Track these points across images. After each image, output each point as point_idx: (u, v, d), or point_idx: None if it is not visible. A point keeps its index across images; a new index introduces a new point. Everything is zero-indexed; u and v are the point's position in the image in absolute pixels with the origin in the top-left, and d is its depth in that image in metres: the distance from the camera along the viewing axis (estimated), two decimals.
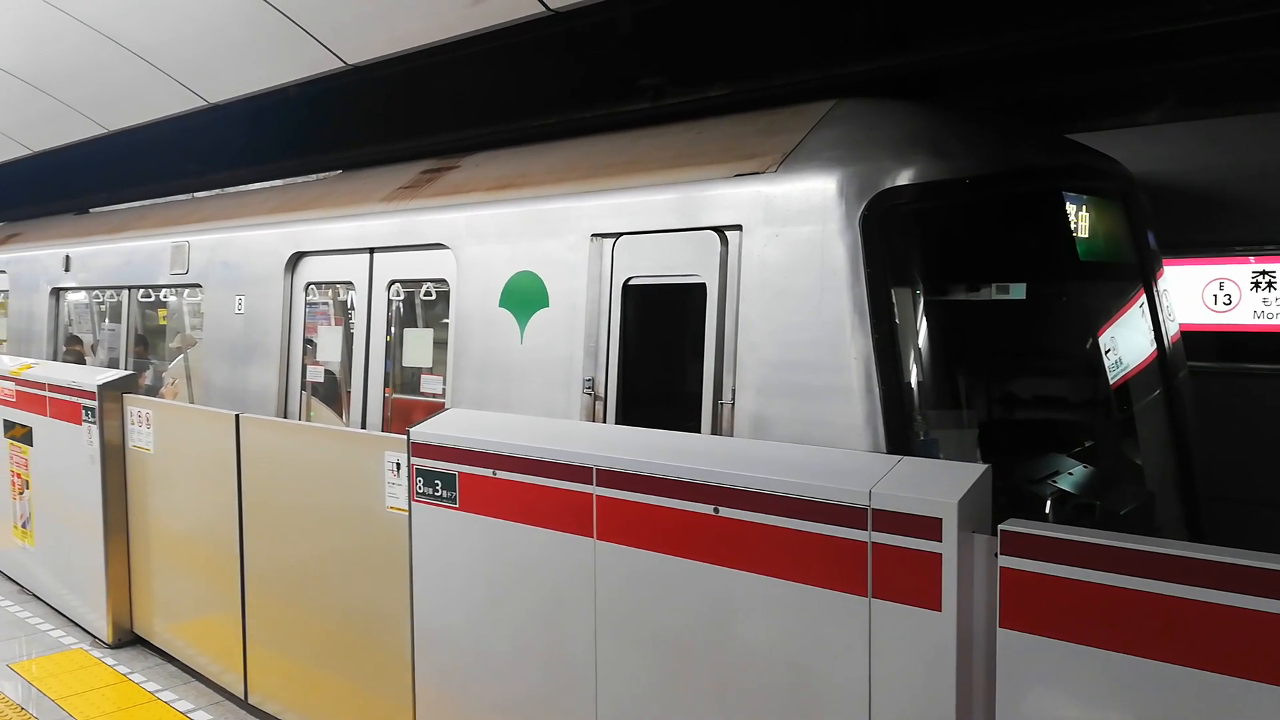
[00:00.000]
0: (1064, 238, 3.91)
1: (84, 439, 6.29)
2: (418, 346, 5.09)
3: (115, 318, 7.84)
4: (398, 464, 4.21)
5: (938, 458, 3.14)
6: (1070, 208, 3.93)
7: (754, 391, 3.43)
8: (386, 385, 5.20)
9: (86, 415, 6.26)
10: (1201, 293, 5.61)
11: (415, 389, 5.09)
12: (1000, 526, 2.57)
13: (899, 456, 3.01)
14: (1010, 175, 3.68)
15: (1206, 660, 2.27)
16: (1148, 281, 4.36)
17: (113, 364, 7.68)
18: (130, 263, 7.26)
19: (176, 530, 5.82)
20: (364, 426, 5.18)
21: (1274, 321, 5.43)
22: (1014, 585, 2.54)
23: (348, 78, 5.45)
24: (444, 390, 4.77)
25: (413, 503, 4.15)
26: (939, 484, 2.74)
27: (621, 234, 3.94)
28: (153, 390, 7.47)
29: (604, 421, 3.95)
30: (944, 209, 3.48)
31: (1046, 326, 4.09)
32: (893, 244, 3.30)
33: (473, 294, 4.48)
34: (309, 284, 5.60)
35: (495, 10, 4.39)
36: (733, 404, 3.50)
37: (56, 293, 8.35)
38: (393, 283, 5.09)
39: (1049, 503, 3.48)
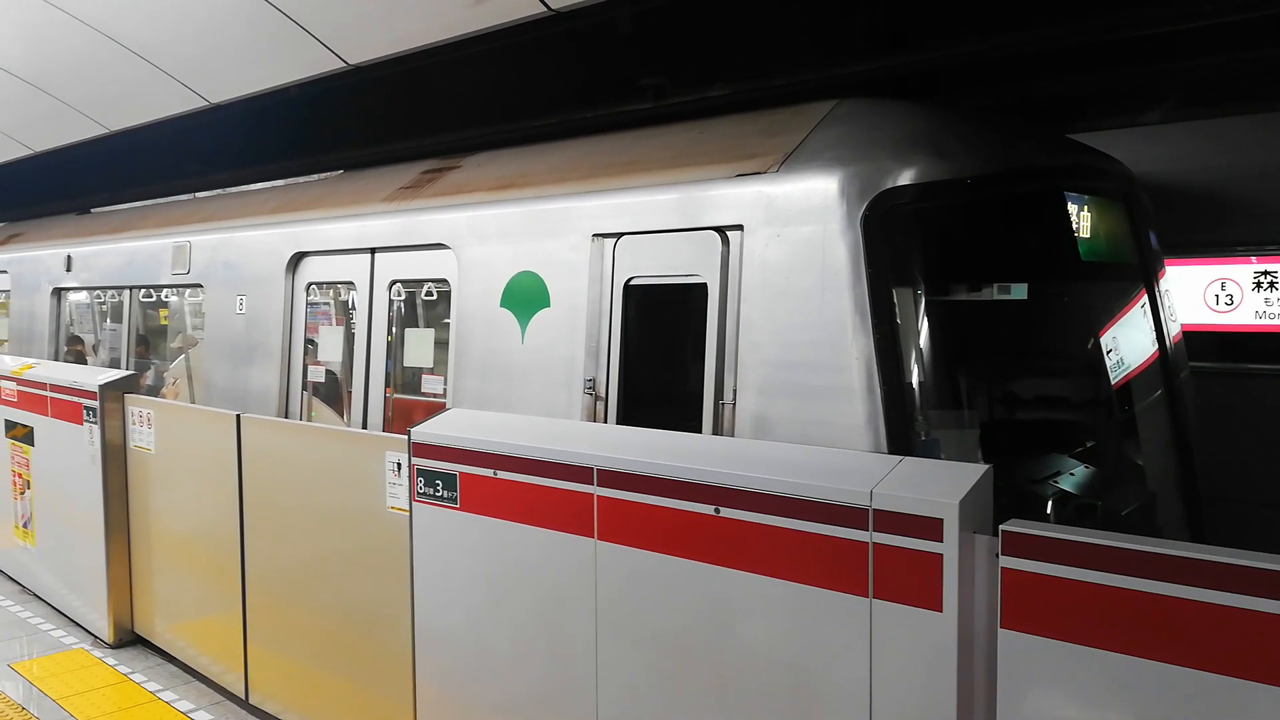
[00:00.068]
0: (1065, 238, 3.91)
1: (85, 439, 6.30)
2: (419, 346, 5.09)
3: (117, 318, 7.84)
4: (399, 464, 4.21)
5: (939, 458, 3.14)
6: (1071, 208, 3.93)
7: (755, 391, 3.43)
8: (388, 385, 5.20)
9: (88, 415, 6.27)
10: (1203, 293, 5.61)
11: (416, 389, 5.09)
12: (1001, 527, 2.57)
13: (900, 457, 3.01)
14: (1011, 175, 3.68)
15: (1207, 661, 2.27)
16: (1149, 282, 4.36)
17: (114, 364, 7.68)
18: (132, 263, 7.26)
19: (177, 530, 5.82)
20: (365, 427, 5.19)
21: (1275, 322, 5.42)
22: (1015, 586, 2.54)
23: (349, 78, 5.45)
24: (445, 390, 4.77)
25: (414, 503, 4.15)
26: (940, 484, 2.74)
27: (623, 234, 3.94)
28: (154, 390, 7.48)
29: (605, 422, 3.95)
30: (945, 209, 3.48)
31: (1048, 327, 4.08)
32: (894, 244, 3.30)
33: (474, 294, 4.48)
34: (310, 284, 5.60)
35: (496, 10, 4.39)
36: (734, 404, 3.50)
37: (58, 293, 8.36)
38: (394, 283, 5.09)
39: (1050, 503, 3.48)
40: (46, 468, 6.93)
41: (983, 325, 3.66)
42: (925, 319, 3.38)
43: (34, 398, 6.97)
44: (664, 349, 3.96)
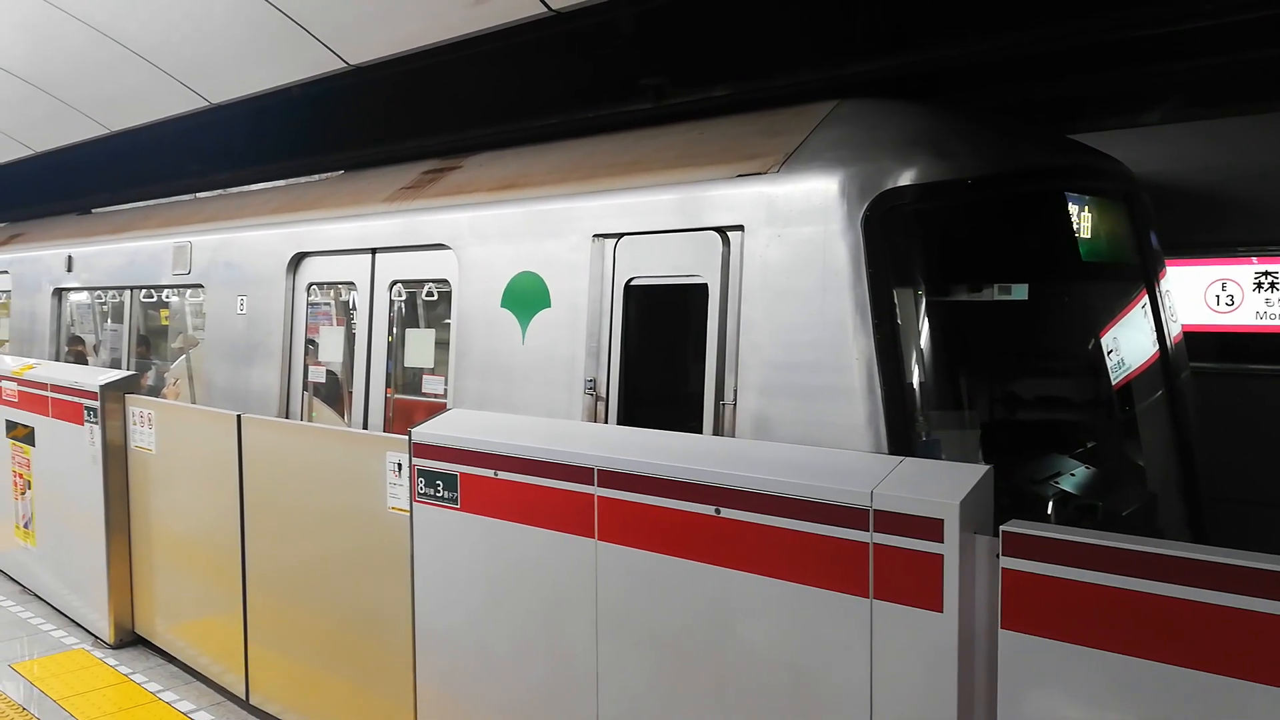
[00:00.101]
0: (1066, 238, 3.91)
1: (86, 439, 6.30)
2: (419, 347, 5.09)
3: (117, 318, 7.84)
4: (399, 464, 4.21)
5: (939, 459, 3.14)
6: (1072, 208, 3.93)
7: (756, 392, 3.43)
8: (388, 386, 5.20)
9: (89, 415, 6.27)
10: (1204, 293, 5.60)
11: (417, 389, 5.09)
12: (1002, 527, 2.57)
13: (901, 457, 3.01)
14: (1012, 176, 3.68)
15: (1207, 661, 2.27)
16: (1150, 282, 4.36)
17: (115, 364, 7.69)
18: (132, 263, 7.26)
19: (178, 530, 5.82)
20: (366, 427, 5.19)
21: (1276, 322, 5.42)
22: (1016, 586, 2.54)
23: (350, 78, 5.45)
24: (446, 391, 4.77)
25: (414, 503, 4.15)
26: (941, 485, 2.74)
27: (624, 234, 3.95)
28: (155, 390, 7.48)
29: (606, 422, 3.95)
30: (946, 209, 3.48)
31: (1049, 327, 4.08)
32: (895, 244, 3.30)
33: (475, 294, 4.48)
34: (311, 284, 5.60)
35: (497, 10, 4.40)
36: (734, 404, 3.50)
37: (59, 293, 8.36)
38: (395, 283, 5.09)
39: (1051, 504, 3.48)
40: (47, 468, 6.94)
41: (983, 326, 3.66)
42: (926, 319, 3.38)
43: (35, 398, 6.97)
44: (665, 349, 3.96)
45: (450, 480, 3.98)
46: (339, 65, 5.33)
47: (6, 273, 9.17)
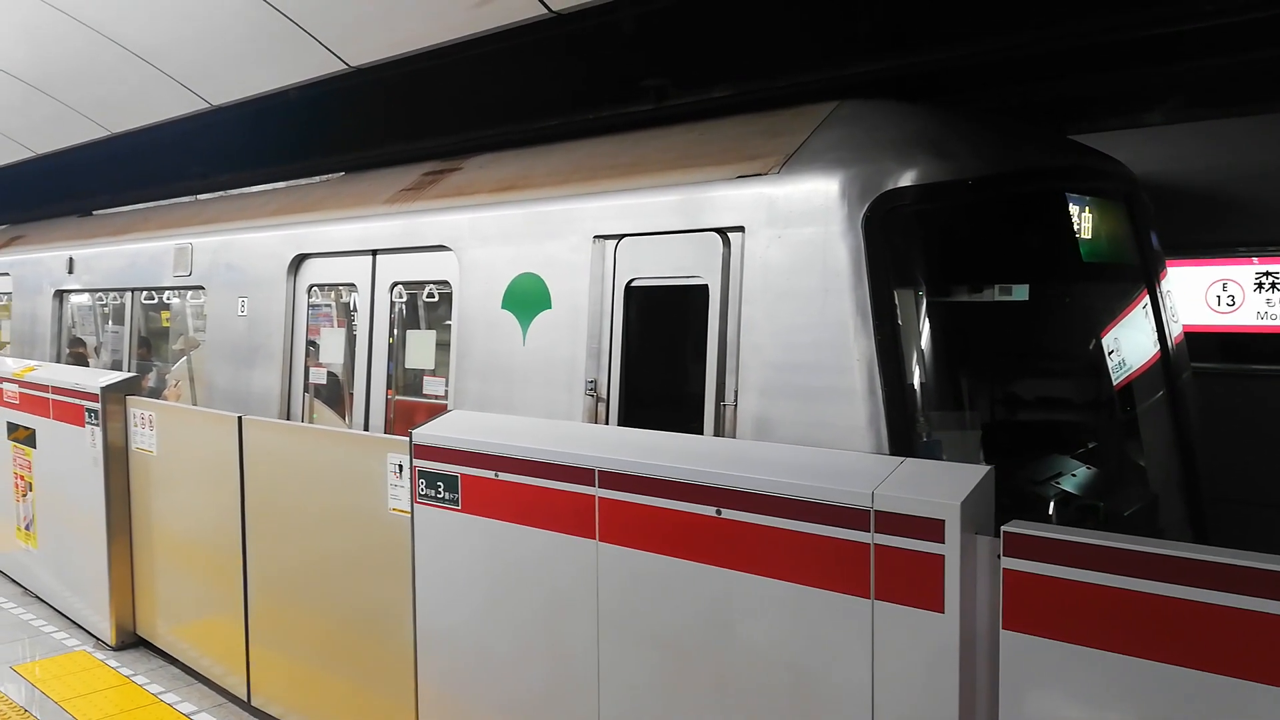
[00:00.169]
0: (1067, 239, 3.91)
1: (87, 441, 6.30)
2: (420, 348, 5.09)
3: (118, 320, 7.85)
4: (400, 466, 4.21)
5: (940, 459, 3.14)
6: (1073, 209, 3.93)
7: (756, 393, 3.43)
8: (389, 387, 5.20)
9: (90, 417, 6.27)
10: (1204, 294, 5.60)
11: (418, 391, 5.09)
12: (1003, 528, 2.57)
13: (901, 458, 3.01)
14: (1013, 176, 3.68)
15: (1208, 661, 2.27)
16: (1151, 283, 4.36)
17: (116, 366, 7.70)
18: (133, 265, 7.27)
19: (179, 532, 5.82)
20: (366, 428, 5.19)
21: (1277, 323, 5.42)
22: (1017, 587, 2.54)
23: (350, 80, 5.45)
24: (446, 392, 4.78)
25: (415, 504, 4.15)
26: (942, 485, 2.74)
27: (624, 235, 3.95)
28: (156, 392, 7.48)
29: (606, 423, 3.95)
30: (947, 210, 3.48)
31: (1049, 328, 4.08)
32: (895, 245, 3.30)
33: (475, 296, 4.48)
34: (312, 286, 5.60)
35: (497, 12, 4.40)
36: (735, 405, 3.50)
37: (60, 295, 8.37)
38: (395, 284, 5.09)
39: (1052, 504, 3.48)
40: (48, 470, 6.94)
41: (984, 326, 3.66)
42: (927, 320, 3.38)
43: (36, 400, 6.97)
44: (665, 350, 3.96)
45: (451, 481, 3.98)
46: (339, 67, 5.33)
47: (8, 275, 9.18)
